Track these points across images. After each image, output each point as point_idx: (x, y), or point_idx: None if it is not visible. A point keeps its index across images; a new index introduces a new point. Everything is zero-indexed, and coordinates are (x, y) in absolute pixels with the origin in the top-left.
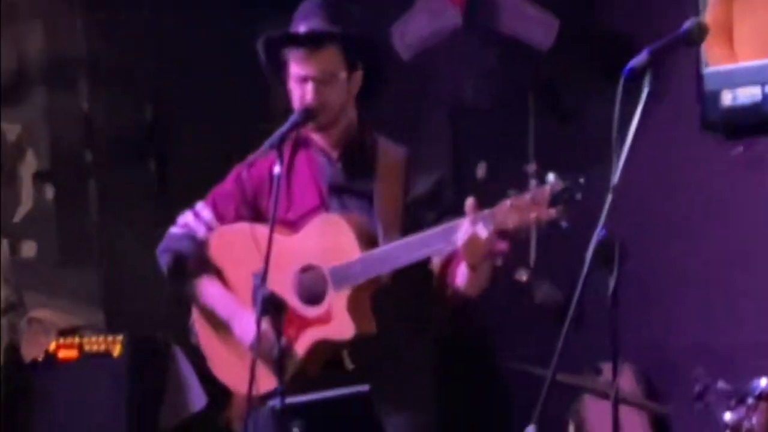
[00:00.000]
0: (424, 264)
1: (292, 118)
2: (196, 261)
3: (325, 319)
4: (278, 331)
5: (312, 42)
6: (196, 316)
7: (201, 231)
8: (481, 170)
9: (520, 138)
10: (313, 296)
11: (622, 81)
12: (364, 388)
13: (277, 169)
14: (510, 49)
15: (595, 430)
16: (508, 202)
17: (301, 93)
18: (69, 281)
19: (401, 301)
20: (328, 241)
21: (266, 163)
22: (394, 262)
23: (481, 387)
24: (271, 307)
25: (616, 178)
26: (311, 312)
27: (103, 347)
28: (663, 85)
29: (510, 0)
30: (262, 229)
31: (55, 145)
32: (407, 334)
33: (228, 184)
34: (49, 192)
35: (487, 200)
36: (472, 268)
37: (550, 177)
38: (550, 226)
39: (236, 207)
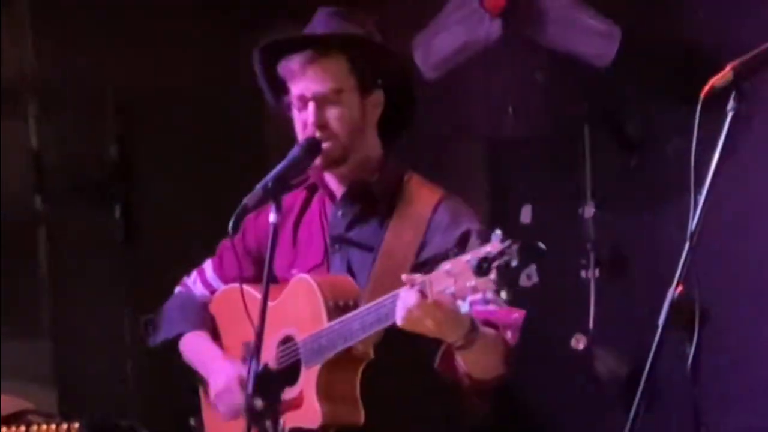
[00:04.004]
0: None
1: (293, 153)
2: (185, 325)
3: (297, 403)
4: (274, 417)
5: (311, 47)
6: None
7: (200, 292)
8: (525, 215)
9: (574, 175)
10: (292, 374)
11: (699, 104)
12: None
13: (272, 217)
14: (560, 66)
15: None
16: (445, 267)
17: (302, 119)
18: (14, 356)
19: (403, 382)
20: (300, 307)
21: None
22: (350, 334)
23: None
24: (266, 385)
25: (694, 223)
26: (287, 394)
27: None
28: (751, 107)
29: (559, 5)
30: (255, 293)
31: None
32: (424, 428)
33: (236, 237)
34: None
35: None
36: (455, 347)
37: (494, 235)
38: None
39: (240, 264)
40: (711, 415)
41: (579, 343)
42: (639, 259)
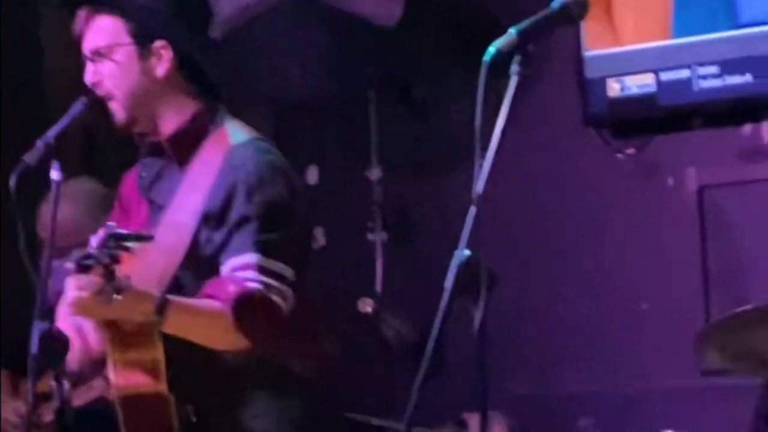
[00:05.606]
0: None
1: (73, 109)
2: None
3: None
4: (59, 387)
5: (87, 5)
6: None
7: None
8: (311, 176)
9: (360, 138)
10: None
11: (484, 68)
12: None
13: (54, 174)
14: (344, 27)
15: None
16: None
17: None
18: None
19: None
20: None
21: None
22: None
23: None
24: (48, 349)
25: (480, 186)
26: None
27: None
28: (535, 72)
29: None
30: None
31: None
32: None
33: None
34: None
35: (319, 213)
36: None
37: (107, 226)
38: None
39: (118, 219)
40: (498, 379)
41: (366, 306)
42: (427, 223)
